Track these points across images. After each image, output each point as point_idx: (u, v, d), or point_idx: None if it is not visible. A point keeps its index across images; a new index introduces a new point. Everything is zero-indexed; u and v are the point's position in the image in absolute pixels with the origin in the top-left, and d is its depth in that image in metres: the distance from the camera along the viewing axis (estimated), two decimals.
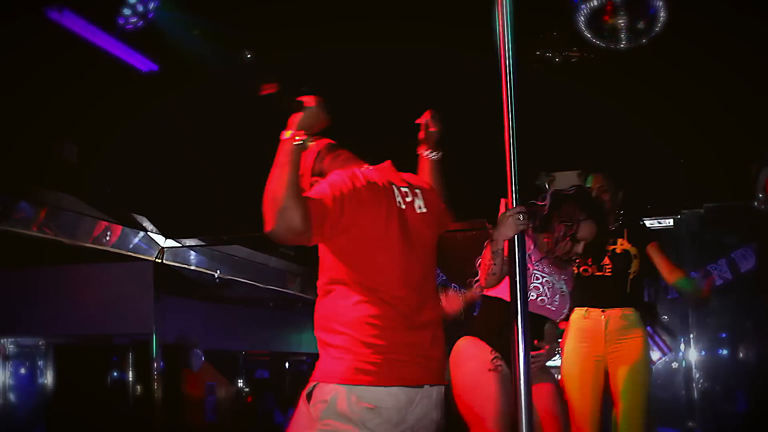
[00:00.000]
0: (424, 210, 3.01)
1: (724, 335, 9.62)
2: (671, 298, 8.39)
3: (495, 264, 3.73)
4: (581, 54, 6.74)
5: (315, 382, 2.72)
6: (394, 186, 2.94)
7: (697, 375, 8.26)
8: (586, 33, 5.94)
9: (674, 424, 8.80)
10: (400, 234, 2.83)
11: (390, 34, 6.75)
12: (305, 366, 16.62)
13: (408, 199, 2.96)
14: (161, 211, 8.53)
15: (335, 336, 2.73)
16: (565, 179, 7.14)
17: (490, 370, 4.05)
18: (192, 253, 9.74)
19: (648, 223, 8.42)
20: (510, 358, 2.92)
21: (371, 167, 3.05)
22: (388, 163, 3.10)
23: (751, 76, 6.87)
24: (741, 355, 9.80)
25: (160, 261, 9.13)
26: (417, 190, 3.06)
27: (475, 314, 4.60)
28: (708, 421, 8.56)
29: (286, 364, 16.66)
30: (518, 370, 2.83)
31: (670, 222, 8.50)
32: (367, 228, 2.75)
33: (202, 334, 11.78)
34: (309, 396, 2.71)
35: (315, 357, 2.76)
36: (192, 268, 9.77)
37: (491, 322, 4.17)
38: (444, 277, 8.15)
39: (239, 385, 13.93)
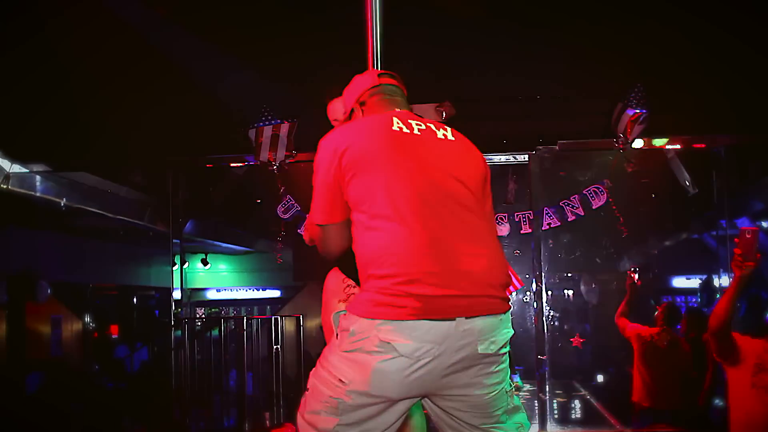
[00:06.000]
0: (452, 138, 2.96)
1: (572, 273, 9.92)
2: (524, 234, 8.54)
3: None
4: None
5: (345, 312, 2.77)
6: (395, 118, 2.91)
7: (548, 309, 8.44)
8: None
9: (523, 362, 9.03)
10: (395, 156, 2.77)
11: None
12: (153, 301, 16.38)
13: (420, 127, 2.92)
14: (7, 133, 8.12)
15: (365, 279, 2.72)
16: (423, 112, 7.14)
17: (341, 300, 4.08)
18: (38, 179, 9.31)
19: (503, 158, 8.54)
20: None
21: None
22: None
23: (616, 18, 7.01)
24: (589, 290, 10.15)
25: (5, 187, 8.69)
26: (444, 129, 3.01)
27: None
28: (556, 355, 8.81)
29: (134, 299, 16.37)
30: None
31: (524, 158, 8.59)
32: (358, 156, 2.75)
33: (49, 265, 11.42)
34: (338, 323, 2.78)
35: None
36: (38, 195, 9.35)
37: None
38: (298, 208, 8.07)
39: (86, 319, 13.58)
